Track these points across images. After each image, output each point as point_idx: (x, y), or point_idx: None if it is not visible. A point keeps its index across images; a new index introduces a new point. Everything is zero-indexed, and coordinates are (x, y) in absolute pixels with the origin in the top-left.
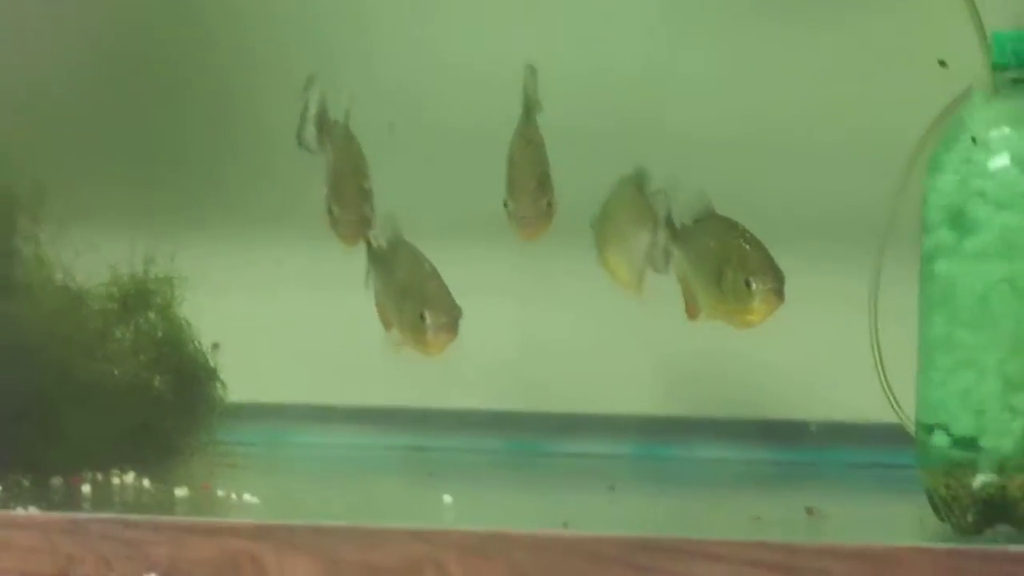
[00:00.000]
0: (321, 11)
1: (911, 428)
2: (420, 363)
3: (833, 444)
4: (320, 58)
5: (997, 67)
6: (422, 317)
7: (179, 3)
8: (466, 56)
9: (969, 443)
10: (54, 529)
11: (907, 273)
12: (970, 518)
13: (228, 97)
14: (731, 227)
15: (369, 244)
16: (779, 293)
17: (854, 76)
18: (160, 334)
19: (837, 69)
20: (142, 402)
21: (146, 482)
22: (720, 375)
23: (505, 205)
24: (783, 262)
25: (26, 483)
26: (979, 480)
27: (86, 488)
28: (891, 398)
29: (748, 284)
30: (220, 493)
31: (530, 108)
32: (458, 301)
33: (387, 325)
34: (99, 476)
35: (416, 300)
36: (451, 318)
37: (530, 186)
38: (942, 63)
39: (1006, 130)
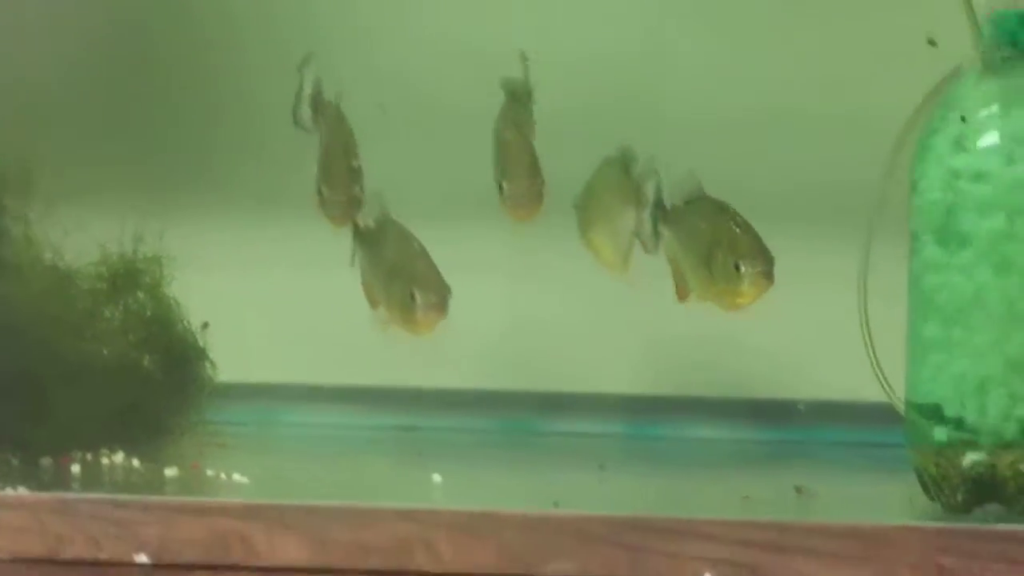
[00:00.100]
0: None
1: (901, 408)
2: (410, 342)
3: (822, 423)
4: (311, 38)
5: (996, 46)
6: (412, 297)
7: None
8: (456, 36)
9: (959, 422)
10: (43, 509)
11: (896, 252)
12: (960, 497)
13: (217, 75)
14: (721, 209)
15: (356, 225)
16: (768, 276)
17: (845, 57)
18: (149, 313)
19: (828, 50)
20: (131, 382)
21: (135, 462)
22: (710, 354)
23: (500, 187)
24: (772, 242)
25: (15, 463)
26: (969, 459)
27: (75, 468)
28: (881, 377)
29: (738, 267)
30: (210, 473)
31: (521, 93)
32: (447, 280)
33: (374, 304)
34: (88, 456)
35: (405, 280)
36: (440, 298)
37: (525, 167)
38: (931, 42)
39: (995, 108)
